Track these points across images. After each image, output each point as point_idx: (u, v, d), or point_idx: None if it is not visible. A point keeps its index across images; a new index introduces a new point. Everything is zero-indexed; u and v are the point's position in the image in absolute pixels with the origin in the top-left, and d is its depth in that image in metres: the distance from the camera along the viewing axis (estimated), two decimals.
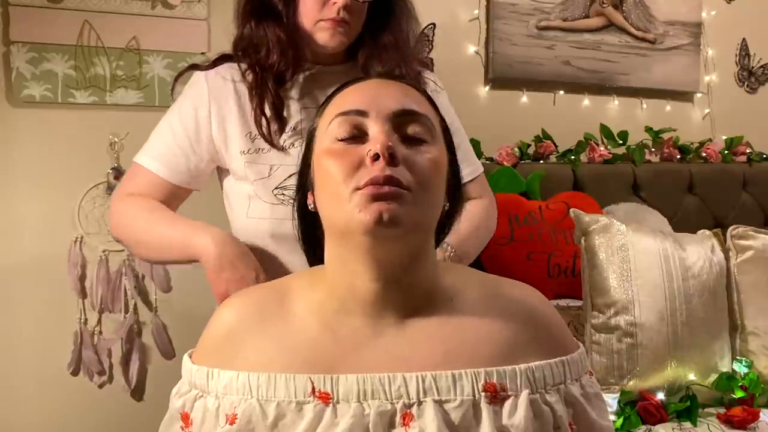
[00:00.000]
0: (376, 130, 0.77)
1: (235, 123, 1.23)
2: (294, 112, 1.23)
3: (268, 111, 1.21)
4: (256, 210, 1.24)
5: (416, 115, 0.79)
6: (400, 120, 0.78)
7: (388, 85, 0.83)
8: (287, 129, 1.22)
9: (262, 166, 1.22)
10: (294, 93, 1.24)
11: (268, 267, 1.17)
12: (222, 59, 1.27)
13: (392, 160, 0.74)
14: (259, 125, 1.21)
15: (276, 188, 1.23)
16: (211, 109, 1.23)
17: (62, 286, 2.06)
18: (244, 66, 1.24)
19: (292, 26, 1.21)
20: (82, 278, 2.07)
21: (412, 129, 0.78)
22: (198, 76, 1.26)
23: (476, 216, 1.32)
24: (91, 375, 2.08)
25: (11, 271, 2.01)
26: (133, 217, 1.24)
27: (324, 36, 1.20)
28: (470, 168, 1.35)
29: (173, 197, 1.28)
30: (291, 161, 1.20)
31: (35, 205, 2.03)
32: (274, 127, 1.21)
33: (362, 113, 0.78)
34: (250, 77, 1.22)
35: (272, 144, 1.21)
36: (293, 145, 1.21)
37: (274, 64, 1.20)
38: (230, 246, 1.14)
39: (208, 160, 1.27)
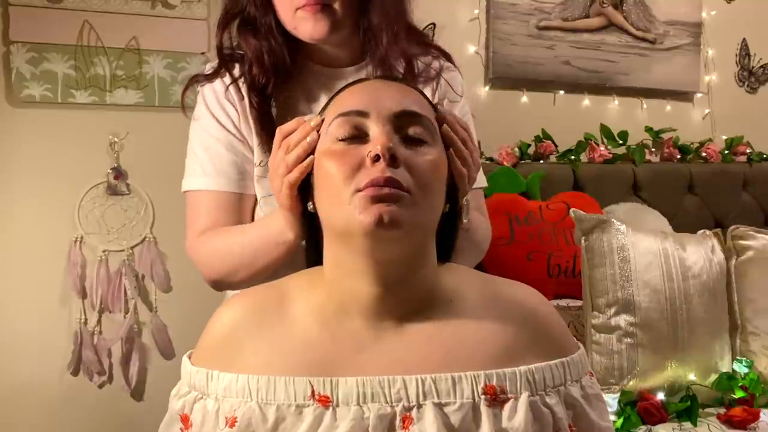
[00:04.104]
0: (376, 130, 0.77)
1: (251, 131, 1.16)
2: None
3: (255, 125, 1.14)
4: None
5: (417, 116, 0.79)
6: (400, 121, 0.78)
7: (388, 86, 0.83)
8: None
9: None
10: (302, 99, 1.17)
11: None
12: (221, 65, 1.19)
13: (393, 161, 0.74)
14: (259, 137, 1.14)
15: None
16: (239, 111, 1.16)
17: (62, 286, 2.06)
18: (231, 77, 1.16)
19: (268, 32, 1.13)
20: (82, 278, 2.07)
21: (413, 130, 0.78)
22: (209, 86, 1.18)
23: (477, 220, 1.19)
24: (91, 375, 2.08)
25: (11, 270, 2.01)
26: (214, 251, 1.12)
27: (306, 27, 1.07)
28: None
29: (244, 210, 1.16)
30: None
31: (35, 205, 2.03)
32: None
33: (363, 114, 0.78)
34: (235, 89, 1.15)
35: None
36: None
37: (253, 79, 1.12)
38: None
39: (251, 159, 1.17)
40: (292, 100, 1.16)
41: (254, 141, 1.14)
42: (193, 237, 1.14)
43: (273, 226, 1.02)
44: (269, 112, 1.13)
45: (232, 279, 1.12)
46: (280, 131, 0.90)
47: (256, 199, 1.17)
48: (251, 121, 1.14)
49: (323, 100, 1.14)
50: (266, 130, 1.12)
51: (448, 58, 1.24)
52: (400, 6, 1.15)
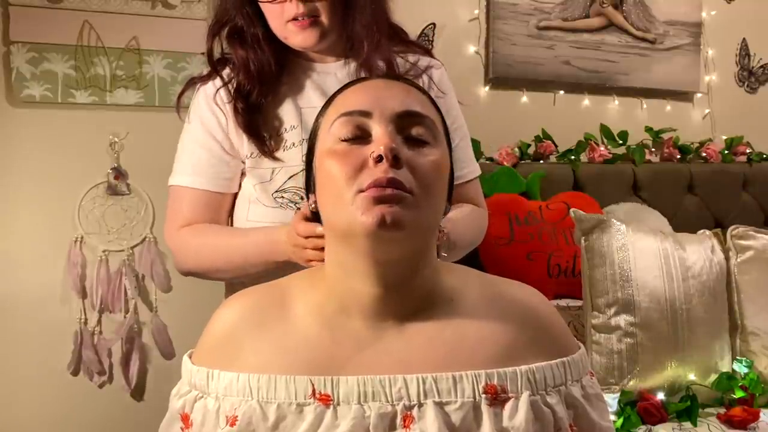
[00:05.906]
0: (379, 131, 0.76)
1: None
2: (289, 112, 1.22)
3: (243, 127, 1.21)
4: (256, 214, 1.24)
5: (420, 116, 0.79)
6: (403, 121, 0.78)
7: (391, 85, 0.83)
8: (287, 130, 1.21)
9: (263, 171, 1.22)
10: (290, 91, 1.23)
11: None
12: (213, 69, 1.25)
13: (395, 162, 0.74)
14: (247, 136, 1.21)
15: (276, 191, 1.23)
16: (226, 113, 1.22)
17: (62, 286, 2.06)
18: (222, 80, 1.22)
19: (255, 42, 1.19)
20: (82, 278, 2.07)
21: (416, 130, 0.78)
22: (202, 88, 1.25)
23: (471, 211, 1.29)
24: (91, 375, 2.08)
25: (11, 270, 2.01)
26: (198, 246, 1.22)
27: (297, 39, 1.16)
28: (466, 170, 1.32)
29: (221, 208, 1.26)
30: (291, 163, 1.20)
31: (35, 205, 2.02)
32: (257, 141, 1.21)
33: (365, 114, 0.78)
34: (226, 91, 1.22)
35: (263, 153, 1.20)
36: (294, 145, 1.21)
37: (239, 85, 1.19)
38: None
39: (238, 161, 1.25)
40: (280, 94, 1.22)
41: (244, 138, 1.22)
42: (174, 228, 1.24)
43: (277, 250, 1.11)
44: (255, 115, 1.20)
45: (212, 276, 1.23)
46: (295, 234, 1.03)
47: (237, 192, 1.27)
48: (238, 123, 1.22)
49: (309, 91, 1.22)
50: (250, 131, 1.20)
51: (429, 54, 1.32)
52: (380, 14, 1.22)
